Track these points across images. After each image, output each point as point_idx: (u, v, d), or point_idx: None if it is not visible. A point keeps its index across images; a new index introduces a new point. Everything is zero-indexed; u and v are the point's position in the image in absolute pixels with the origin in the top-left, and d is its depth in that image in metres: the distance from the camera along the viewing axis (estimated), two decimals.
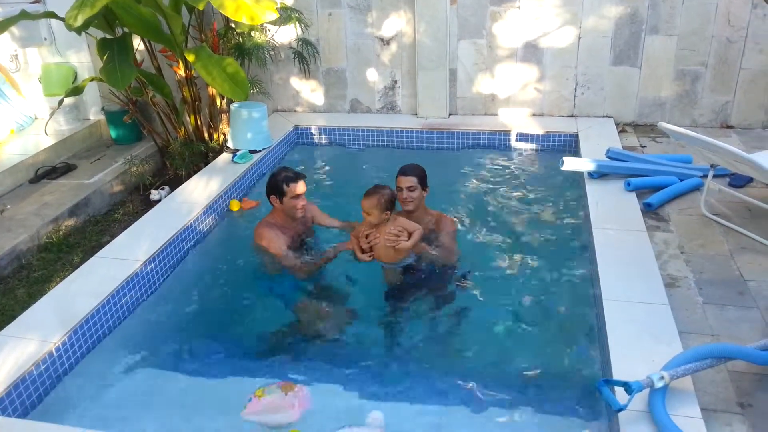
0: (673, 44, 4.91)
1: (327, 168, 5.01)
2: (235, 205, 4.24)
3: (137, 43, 4.92)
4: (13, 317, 2.92)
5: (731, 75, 4.91)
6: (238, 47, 5.11)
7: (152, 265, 3.36)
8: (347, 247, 3.39)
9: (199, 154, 5.08)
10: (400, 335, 3.10)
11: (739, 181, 3.90)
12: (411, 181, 3.36)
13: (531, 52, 5.16)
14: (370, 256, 3.31)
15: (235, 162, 4.63)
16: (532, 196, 4.29)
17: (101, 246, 3.63)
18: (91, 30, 4.49)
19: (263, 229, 3.45)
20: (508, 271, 3.44)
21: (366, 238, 3.30)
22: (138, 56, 4.89)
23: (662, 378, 2.18)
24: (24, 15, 4.29)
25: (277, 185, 3.41)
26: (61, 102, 4.71)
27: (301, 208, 3.46)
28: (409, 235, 3.25)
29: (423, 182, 3.43)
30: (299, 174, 3.48)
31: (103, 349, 2.92)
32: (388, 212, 3.25)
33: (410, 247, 3.28)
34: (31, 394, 2.58)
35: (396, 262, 3.33)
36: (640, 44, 4.96)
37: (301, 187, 3.43)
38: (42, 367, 2.62)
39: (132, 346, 2.97)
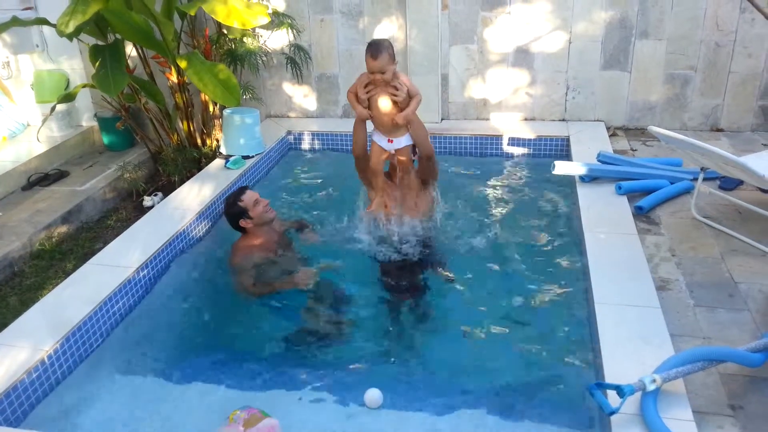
0: (663, 48, 4.95)
1: (320, 173, 5.01)
2: None
3: (129, 49, 4.91)
4: (5, 325, 2.91)
5: (720, 79, 4.96)
6: (231, 53, 5.12)
7: (145, 271, 3.36)
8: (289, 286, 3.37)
9: (192, 160, 5.07)
10: (392, 337, 3.11)
11: (730, 184, 3.93)
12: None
13: (522, 57, 5.19)
14: (369, 114, 3.38)
15: (228, 168, 4.63)
16: (523, 199, 4.31)
17: (94, 253, 3.62)
18: (84, 36, 4.50)
19: (234, 260, 3.48)
20: (499, 275, 3.45)
21: (365, 88, 3.33)
22: (130, 63, 4.89)
23: (654, 381, 2.19)
24: (16, 22, 4.28)
25: (236, 209, 3.46)
26: (53, 109, 4.70)
27: (267, 208, 3.52)
28: (410, 98, 3.30)
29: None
30: (241, 187, 3.57)
31: (96, 357, 2.91)
32: (396, 61, 3.29)
33: (403, 121, 3.32)
34: (23, 402, 2.56)
35: (394, 132, 3.40)
36: (630, 49, 5.00)
37: (250, 194, 3.50)
38: (34, 375, 2.61)
39: (125, 354, 2.96)
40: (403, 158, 3.54)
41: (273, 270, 3.46)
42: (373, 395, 2.57)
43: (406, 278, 3.48)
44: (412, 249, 3.55)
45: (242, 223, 3.47)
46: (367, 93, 3.35)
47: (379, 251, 3.57)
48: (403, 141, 3.49)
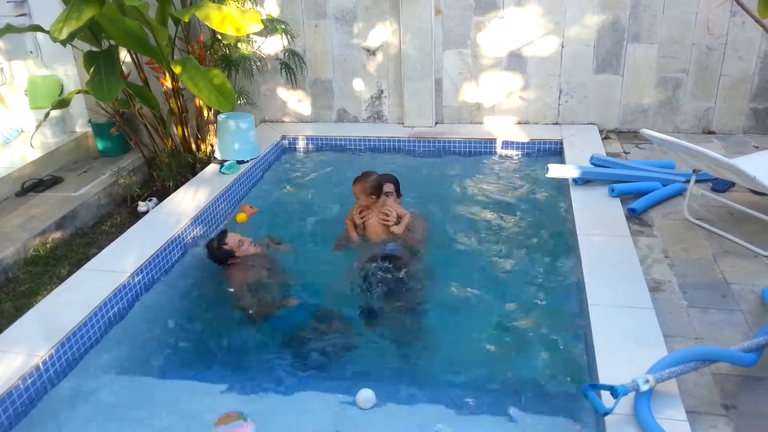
0: (655, 52, 4.99)
1: (314, 177, 5.02)
2: (242, 217, 4.24)
3: (124, 55, 4.92)
4: (0, 331, 2.90)
5: (712, 82, 4.99)
6: (225, 59, 5.13)
7: (140, 277, 3.36)
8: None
9: (186, 165, 5.08)
10: (384, 340, 3.12)
11: (722, 186, 3.96)
12: (359, 188, 3.68)
13: (515, 61, 5.22)
14: (360, 236, 3.71)
15: (223, 173, 4.63)
16: (517, 202, 4.33)
17: (88, 258, 3.62)
18: (78, 43, 4.50)
19: (237, 280, 3.50)
20: (493, 277, 3.47)
21: (360, 214, 3.72)
22: (124, 68, 4.90)
23: (647, 381, 2.20)
24: (9, 28, 4.29)
25: (222, 254, 3.50)
26: (47, 115, 4.71)
27: (251, 245, 3.59)
28: (399, 217, 3.68)
29: (397, 189, 3.92)
30: (222, 232, 3.65)
31: (90, 362, 2.90)
32: (374, 196, 3.68)
33: (401, 232, 3.65)
34: (18, 407, 2.56)
35: (383, 241, 3.67)
36: (622, 52, 5.04)
37: (232, 237, 3.57)
38: (29, 381, 2.61)
39: (120, 359, 2.95)
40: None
41: (273, 288, 3.50)
42: (366, 395, 2.58)
43: (392, 279, 3.52)
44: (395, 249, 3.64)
45: (230, 262, 3.52)
46: (362, 218, 3.74)
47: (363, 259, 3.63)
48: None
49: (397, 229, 3.65)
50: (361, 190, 3.68)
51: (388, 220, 3.68)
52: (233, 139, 4.83)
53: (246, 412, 2.44)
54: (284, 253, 3.80)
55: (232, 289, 3.47)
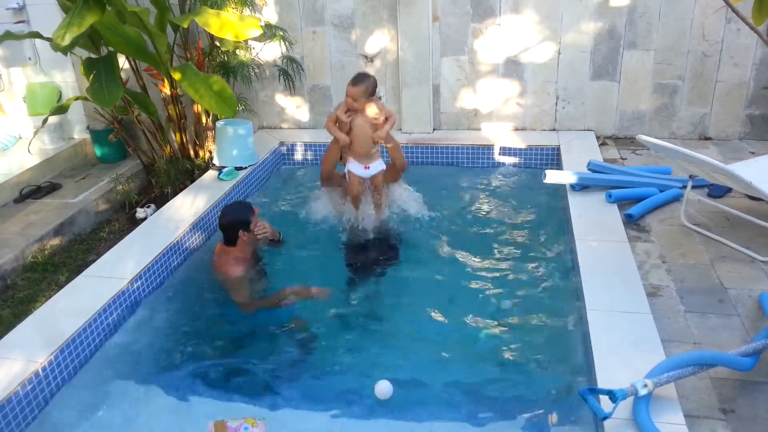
0: (651, 59, 5.02)
1: (312, 184, 5.02)
2: None
3: (122, 62, 4.93)
4: None
5: (708, 88, 5.02)
6: (223, 65, 5.15)
7: (138, 283, 3.36)
8: (295, 293, 3.44)
9: (184, 172, 5.08)
10: (378, 342, 3.13)
11: (718, 192, 3.98)
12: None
13: (512, 68, 5.25)
14: (347, 138, 3.67)
15: (221, 179, 4.64)
16: (515, 208, 4.34)
17: (87, 265, 3.62)
18: (76, 49, 4.51)
19: (235, 272, 3.45)
20: (491, 283, 3.48)
21: (346, 113, 3.64)
22: (123, 75, 4.91)
23: (646, 386, 2.21)
24: (8, 35, 4.30)
25: (243, 218, 3.45)
26: (45, 121, 4.71)
27: (262, 228, 3.56)
28: (386, 119, 3.66)
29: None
30: (248, 202, 3.63)
31: (90, 369, 2.91)
32: (372, 98, 3.63)
33: (387, 133, 3.65)
34: (17, 414, 2.56)
35: (370, 158, 3.72)
36: (618, 59, 5.07)
37: (257, 211, 3.56)
38: (28, 388, 2.61)
39: (119, 365, 2.95)
40: (377, 183, 3.88)
41: (265, 281, 3.49)
42: (384, 387, 2.58)
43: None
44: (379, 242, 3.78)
45: (241, 233, 3.43)
46: (348, 117, 3.65)
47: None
48: (378, 167, 3.83)
49: (380, 134, 3.63)
50: (364, 92, 3.60)
51: (376, 119, 3.64)
52: (231, 146, 4.84)
53: (254, 417, 2.44)
54: (279, 249, 3.80)
55: (226, 279, 3.45)
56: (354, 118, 3.67)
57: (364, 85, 3.63)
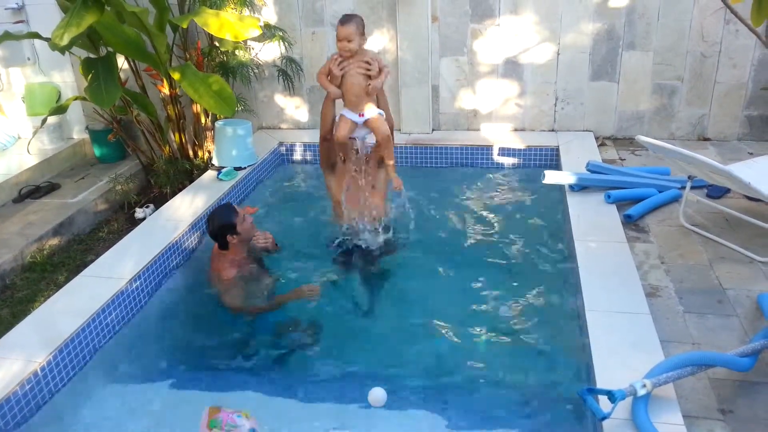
0: (650, 59, 5.02)
1: (311, 184, 5.03)
2: None
3: (121, 62, 4.93)
4: None
5: (707, 89, 5.03)
6: (223, 65, 5.15)
7: (137, 283, 3.36)
8: (292, 297, 3.40)
9: (183, 172, 5.08)
10: (376, 342, 3.14)
11: (717, 192, 3.98)
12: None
13: (511, 69, 5.25)
14: (340, 92, 3.53)
15: (220, 179, 4.64)
16: (514, 209, 4.35)
17: (86, 265, 3.62)
18: (75, 49, 4.51)
19: (228, 275, 3.41)
20: (490, 283, 3.48)
21: (339, 65, 3.47)
22: (122, 75, 4.91)
23: (645, 386, 2.21)
24: (7, 36, 4.29)
25: (227, 223, 3.37)
26: (44, 121, 4.71)
27: (253, 225, 3.52)
28: (379, 70, 3.50)
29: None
30: (227, 204, 3.54)
31: (89, 368, 2.91)
32: (365, 37, 3.47)
33: (380, 86, 3.52)
34: (16, 414, 2.56)
35: (364, 107, 3.55)
36: (617, 60, 5.07)
37: (241, 211, 3.47)
38: (27, 387, 2.61)
39: (118, 365, 2.96)
40: (374, 126, 3.62)
41: (263, 284, 3.49)
42: (377, 394, 2.58)
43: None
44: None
45: (229, 237, 3.38)
46: (341, 69, 3.48)
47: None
48: (372, 112, 3.61)
49: (375, 84, 3.48)
50: (356, 29, 3.39)
51: (370, 69, 3.48)
52: (231, 146, 4.84)
53: (247, 409, 2.45)
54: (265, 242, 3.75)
55: (216, 284, 3.44)
56: (347, 70, 3.49)
57: (355, 21, 3.41)
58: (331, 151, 3.77)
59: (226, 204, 3.54)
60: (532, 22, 5.06)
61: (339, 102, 3.66)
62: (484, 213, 4.31)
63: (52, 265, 4.21)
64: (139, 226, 4.01)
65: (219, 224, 3.38)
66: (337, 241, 3.78)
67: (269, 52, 5.51)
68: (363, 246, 3.71)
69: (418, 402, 2.69)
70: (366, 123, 3.61)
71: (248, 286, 3.43)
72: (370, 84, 3.50)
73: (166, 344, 3.16)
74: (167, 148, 5.18)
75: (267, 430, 2.49)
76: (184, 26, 4.54)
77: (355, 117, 3.59)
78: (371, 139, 3.72)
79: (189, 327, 3.30)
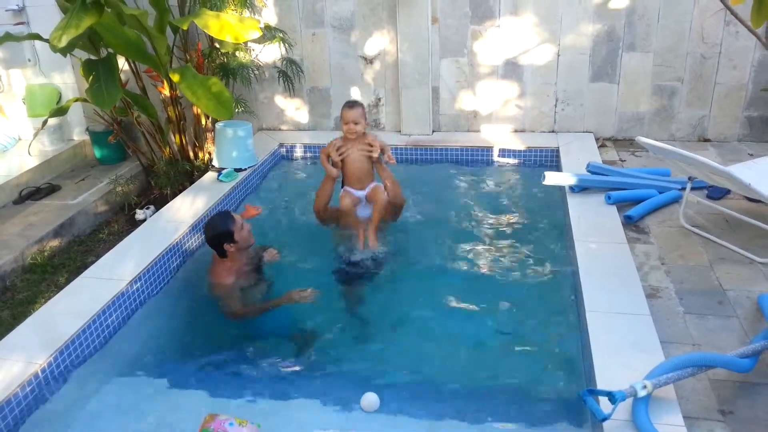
0: (650, 61, 5.03)
1: (312, 185, 5.02)
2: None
3: (122, 63, 4.94)
4: None
5: (707, 90, 5.03)
6: (223, 67, 5.15)
7: (138, 284, 3.36)
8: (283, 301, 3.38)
9: (184, 173, 5.09)
10: (376, 343, 3.14)
11: (717, 193, 3.98)
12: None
13: (511, 70, 5.26)
14: (338, 170, 3.69)
15: (221, 180, 4.64)
16: (514, 210, 4.35)
17: (86, 266, 3.62)
18: (76, 51, 4.52)
19: (225, 282, 3.39)
20: (491, 284, 3.48)
21: (338, 150, 3.65)
22: (123, 76, 4.91)
23: (645, 387, 2.21)
24: (8, 37, 4.30)
25: (224, 231, 3.32)
26: (45, 123, 4.72)
27: (251, 233, 3.49)
28: (382, 150, 3.65)
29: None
30: (225, 211, 3.54)
31: (89, 370, 2.90)
32: (367, 121, 3.68)
33: (393, 180, 3.66)
34: (17, 415, 2.56)
35: (366, 183, 3.71)
36: (617, 61, 5.08)
37: (237, 217, 3.43)
38: (27, 389, 2.61)
39: (118, 366, 2.95)
40: (375, 197, 3.74)
41: (258, 291, 3.48)
42: (370, 399, 2.59)
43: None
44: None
45: (227, 246, 3.35)
46: (340, 155, 3.66)
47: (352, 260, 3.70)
48: (372, 185, 3.77)
49: (389, 159, 3.63)
50: (363, 113, 3.63)
51: (372, 150, 3.63)
52: (231, 147, 4.84)
53: (250, 421, 2.44)
54: (269, 261, 3.73)
55: (215, 290, 3.43)
56: (348, 154, 3.68)
57: (360, 106, 3.67)
58: (326, 219, 3.90)
59: (224, 211, 3.50)
60: (532, 24, 5.07)
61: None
62: (484, 214, 4.31)
63: (53, 266, 4.22)
64: (139, 228, 4.01)
65: (215, 232, 3.33)
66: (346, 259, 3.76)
67: (269, 54, 5.51)
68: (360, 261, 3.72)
69: (417, 404, 2.68)
70: (368, 196, 3.76)
71: (246, 293, 3.42)
72: (372, 165, 3.69)
73: (167, 346, 3.16)
74: (168, 149, 5.19)
75: None
76: (185, 28, 4.55)
77: (358, 193, 3.74)
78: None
79: (189, 329, 3.30)
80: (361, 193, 3.75)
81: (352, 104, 3.67)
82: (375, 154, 3.63)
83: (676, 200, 3.98)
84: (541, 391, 2.70)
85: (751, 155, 4.78)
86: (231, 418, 2.42)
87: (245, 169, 4.86)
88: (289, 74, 5.50)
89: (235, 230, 3.33)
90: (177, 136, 5.13)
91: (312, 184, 5.03)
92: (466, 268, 3.67)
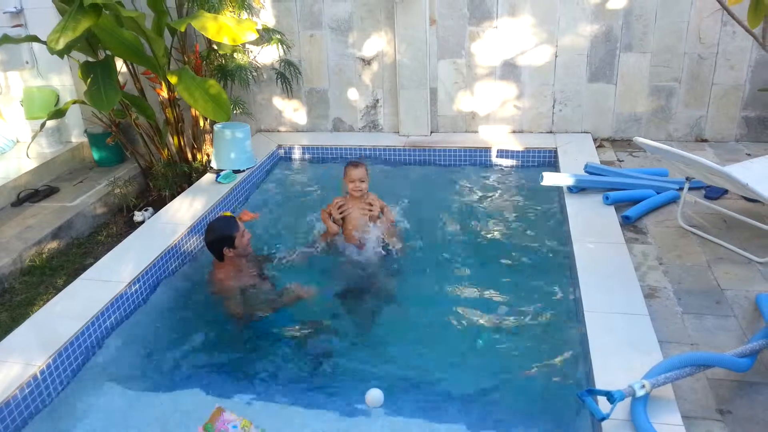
0: (647, 61, 5.04)
1: (310, 187, 5.04)
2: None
3: (120, 65, 4.94)
4: None
5: (704, 90, 5.04)
6: (221, 68, 5.15)
7: (137, 286, 3.36)
8: (303, 294, 3.43)
9: (182, 175, 5.09)
10: (375, 344, 3.14)
11: (715, 193, 3.99)
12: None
13: (509, 71, 5.26)
14: (338, 227, 3.76)
15: (219, 182, 4.65)
16: (512, 211, 4.35)
17: (85, 268, 3.62)
18: (74, 53, 4.52)
19: (225, 285, 3.41)
20: (489, 285, 3.48)
21: (339, 209, 3.75)
22: (121, 78, 4.91)
23: (643, 387, 2.22)
24: (6, 39, 4.30)
25: (226, 236, 3.36)
26: (43, 125, 4.71)
27: (249, 243, 3.52)
28: (381, 210, 3.78)
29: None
30: (228, 216, 3.55)
31: (87, 372, 2.90)
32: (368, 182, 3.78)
33: (384, 222, 3.75)
34: (16, 418, 2.55)
35: (362, 238, 3.73)
36: (615, 62, 5.09)
37: (242, 225, 3.48)
38: (26, 391, 2.60)
39: (117, 369, 2.95)
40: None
41: (261, 292, 3.48)
42: (375, 395, 2.59)
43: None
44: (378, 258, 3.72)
45: (226, 250, 3.38)
46: (341, 213, 3.76)
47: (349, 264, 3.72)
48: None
49: (388, 221, 3.76)
50: (365, 173, 3.73)
51: (372, 210, 3.75)
52: (229, 149, 4.85)
53: (256, 425, 2.45)
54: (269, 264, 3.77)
55: (216, 292, 3.43)
56: (348, 213, 3.76)
57: (364, 165, 3.78)
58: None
59: (229, 217, 3.54)
60: (529, 24, 5.08)
61: None
62: (482, 215, 4.32)
63: (51, 268, 4.21)
64: (137, 230, 4.01)
65: (217, 235, 3.38)
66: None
67: (267, 55, 5.52)
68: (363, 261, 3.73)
69: (417, 406, 2.68)
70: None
71: (249, 294, 3.42)
72: (371, 223, 3.75)
73: (166, 347, 3.16)
74: (166, 151, 5.19)
75: None
76: (182, 30, 4.55)
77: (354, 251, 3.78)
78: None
79: (188, 330, 3.29)
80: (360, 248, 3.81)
81: (356, 163, 3.77)
82: (375, 214, 3.76)
83: (673, 200, 3.99)
84: (539, 391, 2.70)
85: (749, 155, 4.79)
86: (236, 419, 2.42)
87: (243, 171, 4.86)
88: (287, 76, 5.50)
89: (237, 236, 3.38)
90: (175, 138, 5.13)
91: (311, 184, 5.06)
92: (464, 269, 3.67)
